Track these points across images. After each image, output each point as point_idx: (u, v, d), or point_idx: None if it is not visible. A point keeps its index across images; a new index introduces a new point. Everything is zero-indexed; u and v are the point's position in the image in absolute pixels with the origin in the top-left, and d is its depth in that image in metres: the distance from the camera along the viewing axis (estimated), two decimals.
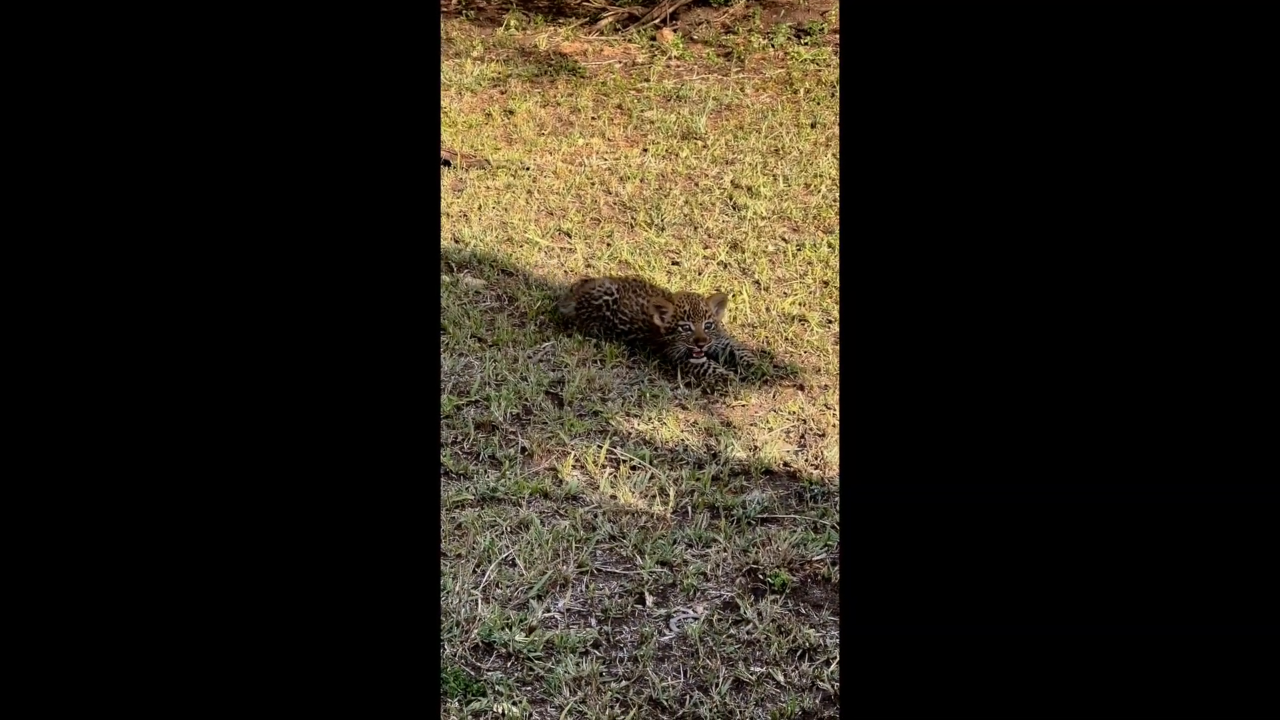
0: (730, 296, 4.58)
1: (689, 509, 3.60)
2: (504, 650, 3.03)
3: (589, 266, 5.06)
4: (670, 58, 7.47)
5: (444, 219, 5.48)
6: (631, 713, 2.86)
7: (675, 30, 7.81)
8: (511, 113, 6.68)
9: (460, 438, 3.94)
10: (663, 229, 5.42)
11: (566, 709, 2.86)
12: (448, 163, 6.01)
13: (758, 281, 4.98)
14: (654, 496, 3.65)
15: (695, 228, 5.43)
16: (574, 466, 3.78)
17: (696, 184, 5.86)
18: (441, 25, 7.94)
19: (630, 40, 7.76)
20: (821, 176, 5.91)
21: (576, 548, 3.41)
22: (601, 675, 2.96)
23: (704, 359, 4.31)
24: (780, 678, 2.97)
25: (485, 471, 3.76)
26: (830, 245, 5.24)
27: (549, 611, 3.18)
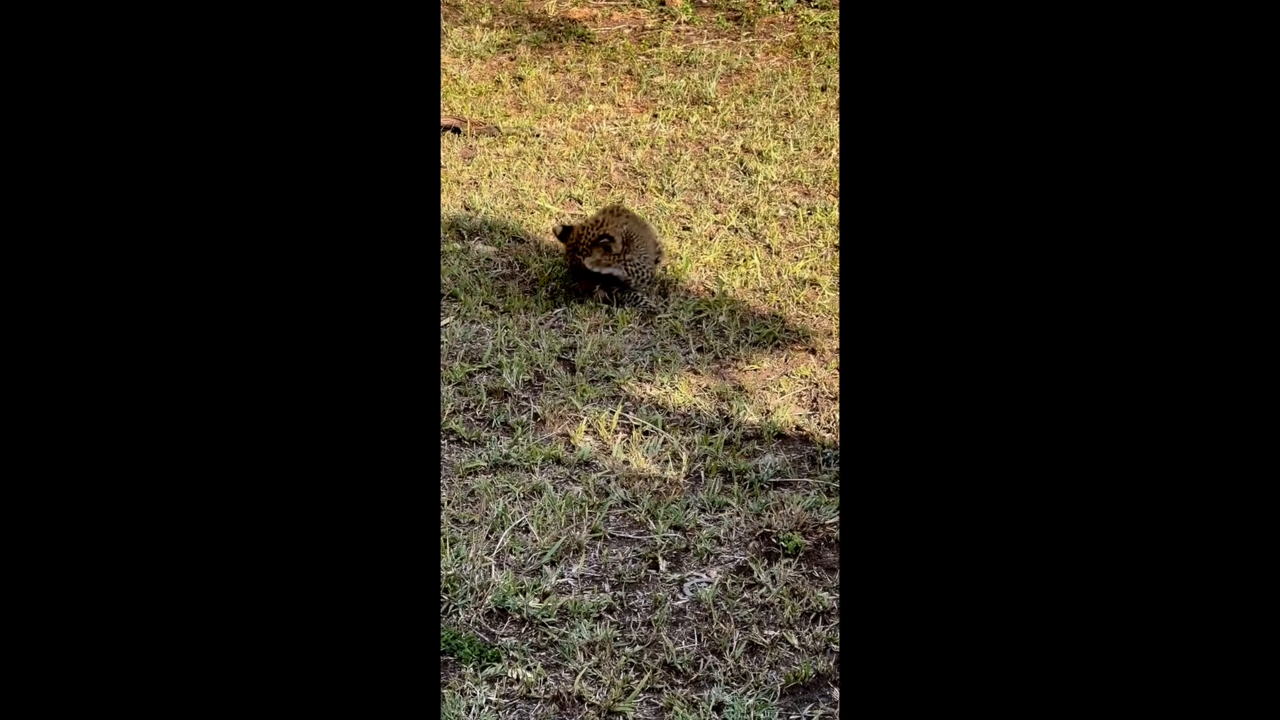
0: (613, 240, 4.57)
1: (702, 474, 3.60)
2: (518, 616, 3.03)
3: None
4: (679, 22, 7.44)
5: (454, 186, 5.47)
6: (645, 677, 2.86)
7: None
8: (521, 79, 6.67)
9: (472, 404, 3.94)
10: (673, 194, 5.40)
11: (581, 674, 2.86)
12: (457, 130, 6.00)
13: (769, 246, 4.97)
14: (667, 461, 3.65)
15: (706, 193, 5.42)
16: (586, 432, 3.78)
17: (707, 149, 5.85)
18: None
19: (639, 5, 7.73)
20: (832, 140, 5.89)
21: (589, 513, 3.41)
22: (615, 640, 2.96)
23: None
24: (794, 641, 2.97)
25: (497, 438, 3.76)
26: None
27: (562, 577, 3.18)
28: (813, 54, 6.99)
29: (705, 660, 2.92)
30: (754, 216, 5.20)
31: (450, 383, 4.03)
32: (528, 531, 3.34)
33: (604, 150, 5.83)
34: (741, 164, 5.68)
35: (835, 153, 5.78)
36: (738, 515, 3.41)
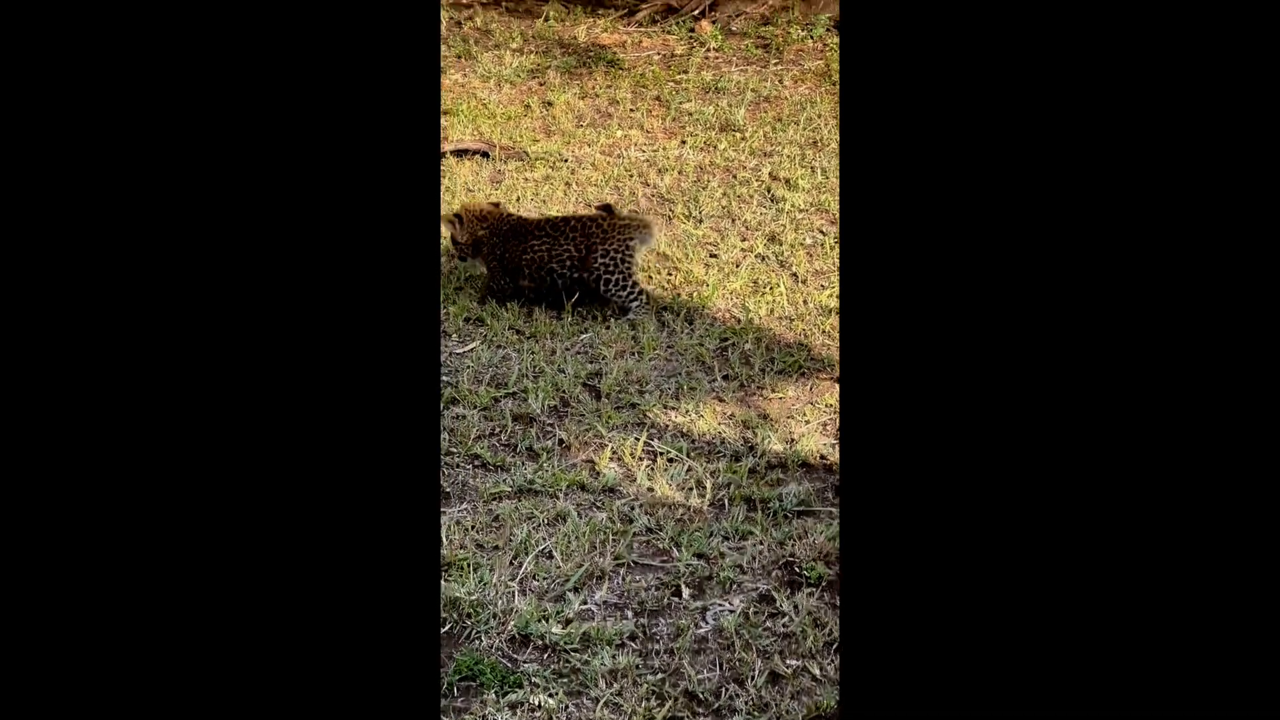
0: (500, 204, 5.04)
1: (726, 501, 3.61)
2: (540, 642, 3.04)
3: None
4: (708, 49, 7.46)
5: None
6: (667, 705, 2.86)
7: (713, 22, 7.80)
8: (550, 104, 6.69)
9: (498, 429, 3.95)
10: (700, 221, 5.42)
11: (602, 701, 2.87)
12: (486, 154, 6.02)
13: (795, 274, 4.98)
14: (691, 489, 3.65)
15: (733, 220, 5.43)
16: (611, 459, 3.79)
17: (734, 176, 5.86)
18: (480, 17, 7.95)
19: (668, 32, 7.76)
20: None
21: (613, 540, 3.41)
22: (638, 668, 2.96)
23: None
24: (816, 671, 2.97)
25: (522, 463, 3.77)
26: None
27: (585, 604, 3.19)
28: None
29: (727, 689, 2.92)
30: (781, 244, 5.21)
31: (476, 407, 4.04)
32: (551, 557, 3.34)
33: (632, 176, 5.85)
34: (769, 191, 5.69)
35: None
36: (761, 544, 3.41)
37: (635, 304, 4.66)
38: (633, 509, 3.56)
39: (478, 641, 3.03)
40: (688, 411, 4.04)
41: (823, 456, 3.82)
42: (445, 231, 4.91)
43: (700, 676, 2.95)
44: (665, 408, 4.07)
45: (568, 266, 4.70)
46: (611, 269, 4.65)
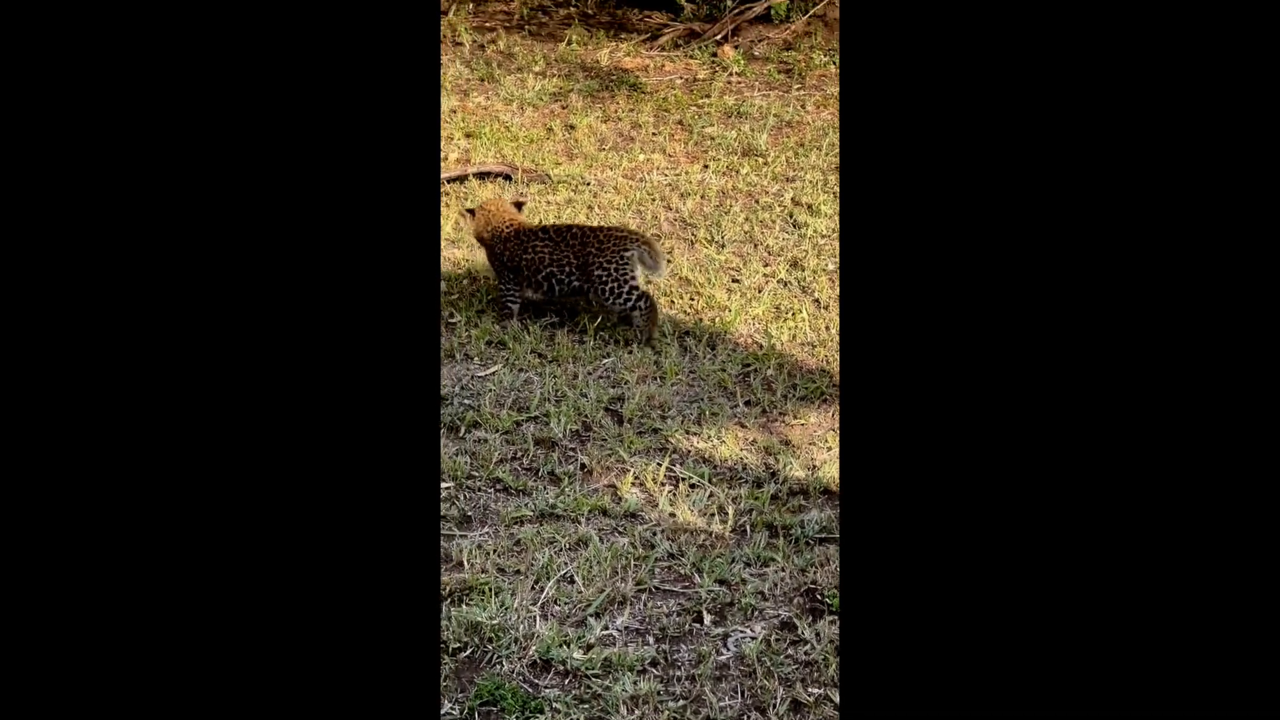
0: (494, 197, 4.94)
1: (747, 528, 3.60)
2: (562, 668, 3.03)
3: (649, 282, 5.07)
4: (731, 74, 7.47)
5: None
6: None
7: (736, 47, 7.82)
8: (573, 127, 6.70)
9: (520, 454, 3.95)
10: (723, 246, 5.42)
11: None
12: (509, 177, 6.04)
13: (818, 300, 4.97)
14: (713, 515, 3.65)
15: (755, 245, 5.44)
16: (633, 484, 3.79)
17: (757, 201, 5.86)
18: (504, 40, 7.98)
19: (691, 57, 7.77)
20: None
21: (635, 565, 3.41)
22: (659, 694, 2.96)
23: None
24: (838, 699, 2.96)
25: (544, 488, 3.77)
26: None
27: (607, 629, 3.18)
28: None
29: (748, 716, 2.91)
30: (803, 270, 5.21)
31: (498, 431, 4.04)
32: (573, 582, 3.34)
33: (654, 200, 5.85)
34: (791, 217, 5.70)
35: None
36: (783, 571, 3.40)
37: (635, 310, 4.67)
38: (654, 534, 3.55)
39: (499, 666, 3.03)
40: (710, 437, 4.04)
41: None
42: (467, 225, 5.20)
43: (722, 703, 2.94)
44: (687, 433, 4.07)
45: (566, 273, 4.72)
46: (606, 278, 4.68)
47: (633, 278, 4.69)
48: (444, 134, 6.57)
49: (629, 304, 4.67)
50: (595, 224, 5.07)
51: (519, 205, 5.15)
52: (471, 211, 5.09)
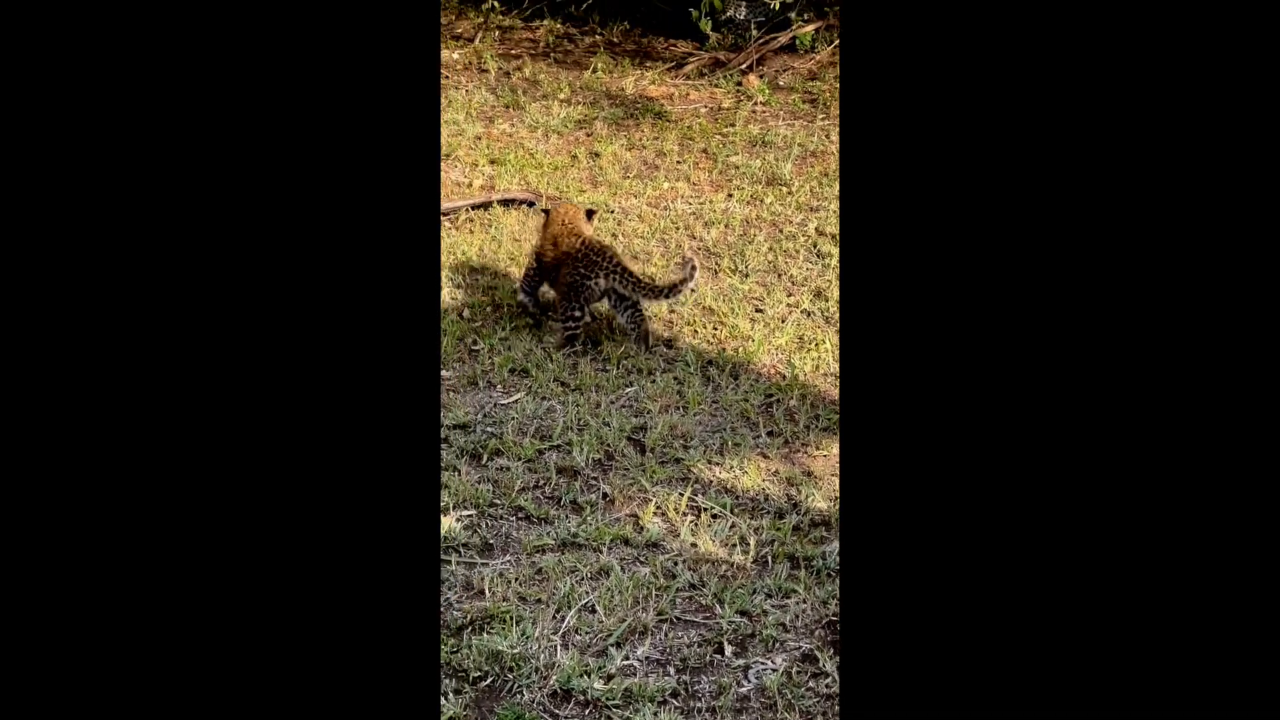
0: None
1: (769, 559, 3.60)
2: (582, 698, 3.03)
3: (672, 311, 5.08)
4: (756, 103, 7.48)
5: (528, 260, 5.51)
6: None
7: (761, 76, 7.83)
8: (597, 155, 6.72)
9: (542, 482, 3.95)
10: (747, 275, 5.42)
11: None
12: (532, 204, 6.05)
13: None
14: (734, 545, 3.65)
15: (779, 275, 5.44)
16: (655, 513, 3.78)
17: (781, 230, 5.87)
18: (529, 67, 8.00)
19: (716, 85, 7.79)
20: None
21: (656, 595, 3.41)
22: None
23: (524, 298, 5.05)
24: None
25: (566, 516, 3.77)
26: None
27: (628, 659, 3.18)
28: None
29: None
30: (827, 300, 5.21)
31: (520, 459, 4.05)
32: (594, 612, 3.34)
33: (678, 228, 5.86)
34: (815, 247, 5.70)
35: None
36: (804, 602, 3.40)
37: (569, 332, 4.81)
38: (676, 564, 3.55)
39: (519, 696, 3.03)
40: (732, 467, 4.04)
41: None
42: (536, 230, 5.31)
43: None
44: (709, 463, 4.07)
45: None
46: (563, 292, 4.84)
47: (581, 298, 4.82)
48: (469, 160, 6.59)
49: (566, 325, 4.84)
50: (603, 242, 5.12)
51: (590, 214, 5.19)
52: (547, 212, 5.18)
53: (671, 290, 4.75)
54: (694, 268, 4.75)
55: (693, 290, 4.89)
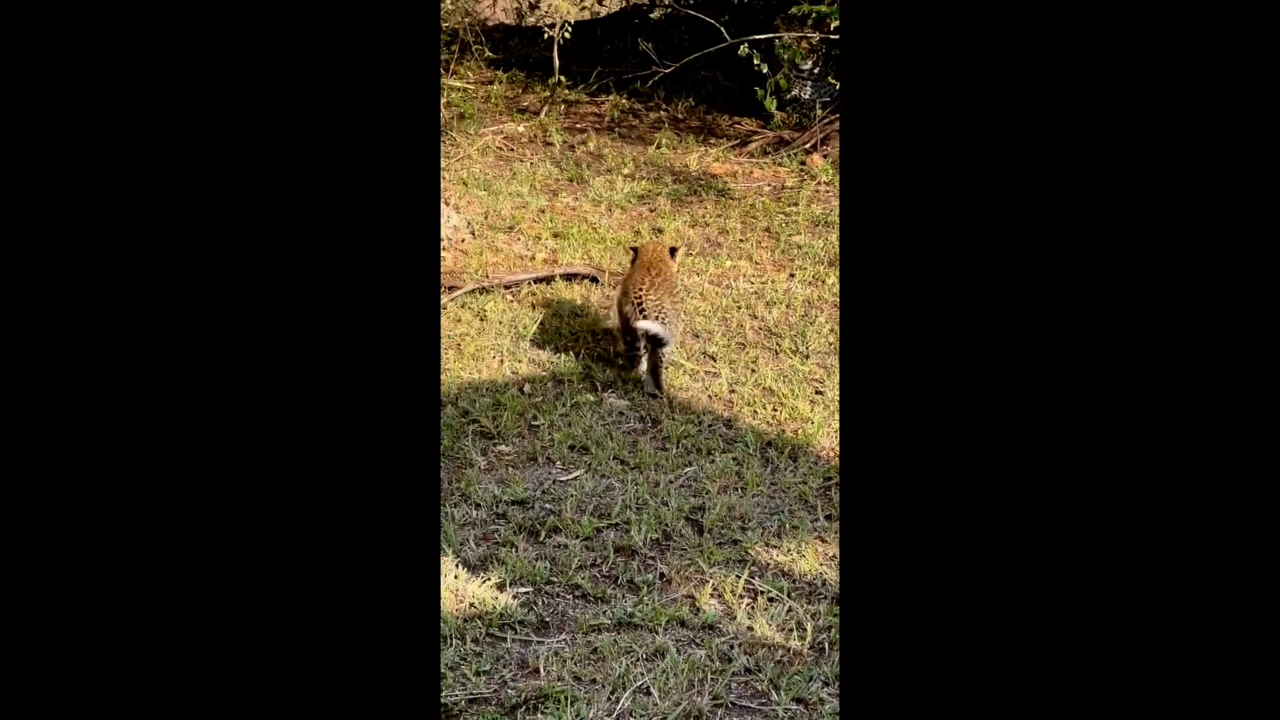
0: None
1: (826, 645, 3.58)
2: None
3: (733, 392, 5.08)
4: (819, 183, 7.50)
5: (588, 337, 5.53)
6: None
7: (824, 156, 7.86)
8: (660, 230, 6.75)
9: (599, 560, 3.95)
10: (807, 356, 5.42)
11: None
12: (595, 279, 6.08)
13: None
14: (791, 630, 3.63)
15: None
16: (712, 595, 3.77)
17: None
18: (593, 141, 8.06)
19: (779, 164, 7.82)
20: None
21: (712, 679, 3.39)
22: None
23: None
24: None
25: (623, 596, 3.77)
26: None
27: None
28: None
29: None
30: None
31: (578, 537, 4.05)
32: (649, 694, 3.32)
33: (739, 307, 5.87)
34: None
35: None
36: None
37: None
38: (732, 648, 3.54)
39: None
40: (789, 550, 4.02)
41: None
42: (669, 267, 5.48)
43: None
44: (767, 545, 4.06)
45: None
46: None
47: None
48: (532, 233, 6.63)
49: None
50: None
51: (673, 252, 5.54)
52: (674, 250, 5.54)
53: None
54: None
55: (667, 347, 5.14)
